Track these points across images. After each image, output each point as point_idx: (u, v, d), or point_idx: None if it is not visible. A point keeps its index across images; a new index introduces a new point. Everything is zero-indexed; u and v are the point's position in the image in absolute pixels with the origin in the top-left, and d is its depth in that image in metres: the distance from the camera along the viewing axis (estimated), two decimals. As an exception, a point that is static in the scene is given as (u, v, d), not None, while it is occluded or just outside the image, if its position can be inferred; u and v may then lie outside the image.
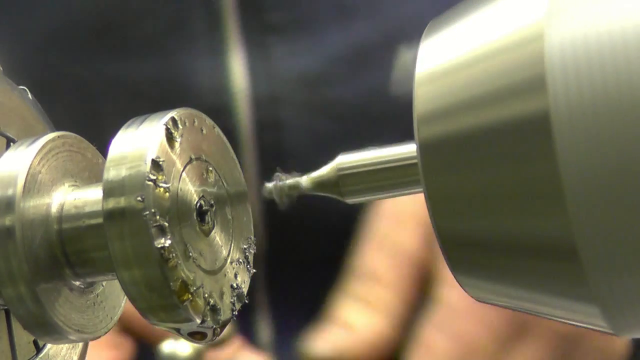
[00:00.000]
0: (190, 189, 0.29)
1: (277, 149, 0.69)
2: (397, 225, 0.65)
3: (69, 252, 0.30)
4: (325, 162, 0.31)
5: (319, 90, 0.70)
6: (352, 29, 0.70)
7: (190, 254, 0.28)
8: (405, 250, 0.64)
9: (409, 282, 0.63)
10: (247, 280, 0.32)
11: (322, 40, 0.70)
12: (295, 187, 0.32)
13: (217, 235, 0.30)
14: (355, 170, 0.31)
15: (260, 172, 0.69)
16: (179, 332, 0.29)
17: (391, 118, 0.71)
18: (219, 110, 0.67)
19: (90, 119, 0.67)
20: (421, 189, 0.28)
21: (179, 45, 0.68)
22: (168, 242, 0.27)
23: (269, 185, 0.33)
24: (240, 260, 0.31)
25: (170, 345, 0.66)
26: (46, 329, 0.29)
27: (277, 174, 0.33)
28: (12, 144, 0.31)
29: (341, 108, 0.70)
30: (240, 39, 0.68)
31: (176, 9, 0.68)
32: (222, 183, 0.31)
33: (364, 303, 0.63)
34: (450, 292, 0.62)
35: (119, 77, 0.68)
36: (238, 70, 0.68)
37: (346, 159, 0.31)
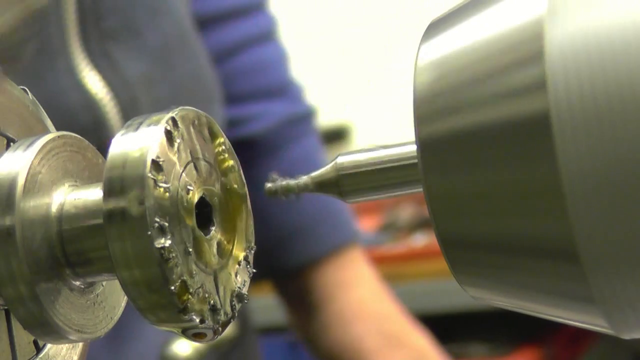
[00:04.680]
0: (190, 189, 0.29)
1: None
2: None
3: (69, 252, 0.30)
4: None
5: (149, 90, 0.73)
6: None
7: (191, 254, 0.28)
8: None
9: None
10: (247, 280, 0.32)
11: None
12: (295, 187, 0.32)
13: (217, 235, 0.30)
14: (355, 170, 0.31)
15: None
16: (179, 332, 0.29)
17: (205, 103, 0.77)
18: (91, 125, 0.68)
19: None
20: (421, 189, 0.28)
21: (37, 70, 0.68)
22: (168, 242, 0.27)
23: (270, 184, 0.33)
24: (240, 260, 0.31)
25: (170, 346, 0.66)
26: (46, 329, 0.29)
27: (275, 174, 0.33)
28: (12, 144, 0.31)
29: None
30: (85, 51, 0.69)
31: (33, 37, 0.68)
32: (223, 183, 0.31)
33: None
34: None
35: None
36: (95, 80, 0.69)
37: (346, 159, 0.31)
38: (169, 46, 0.75)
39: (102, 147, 0.70)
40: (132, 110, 0.69)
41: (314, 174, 0.32)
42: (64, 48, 0.67)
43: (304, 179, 0.32)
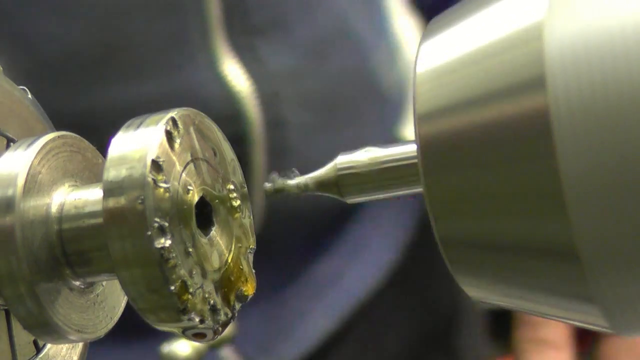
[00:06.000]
0: (190, 189, 0.29)
1: (283, 148, 0.72)
2: None
3: (69, 252, 0.30)
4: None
5: (295, 84, 0.73)
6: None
7: (191, 254, 0.28)
8: None
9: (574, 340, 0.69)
10: (247, 280, 0.32)
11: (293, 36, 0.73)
12: (295, 187, 0.32)
13: (217, 235, 0.30)
14: (355, 170, 0.31)
15: (269, 171, 0.71)
16: (179, 332, 0.29)
17: (363, 99, 0.77)
18: (228, 117, 0.70)
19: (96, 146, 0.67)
20: (421, 189, 0.28)
21: (177, 64, 0.69)
22: (168, 242, 0.27)
23: (269, 185, 0.33)
24: (241, 260, 0.31)
25: (170, 345, 0.66)
26: (46, 329, 0.29)
27: (275, 175, 0.33)
28: (12, 144, 0.31)
29: (313, 99, 0.74)
30: (229, 45, 0.70)
31: (170, 28, 0.69)
32: (223, 183, 0.31)
33: None
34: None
35: (123, 102, 0.68)
36: (238, 78, 0.70)
37: (346, 159, 0.31)
38: (324, 40, 0.75)
39: (238, 137, 0.66)
40: (273, 104, 0.70)
41: (314, 174, 0.32)
42: (205, 41, 0.68)
43: (303, 178, 0.32)
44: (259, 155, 0.70)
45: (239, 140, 0.68)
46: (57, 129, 0.30)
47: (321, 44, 0.74)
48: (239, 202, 0.31)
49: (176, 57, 0.68)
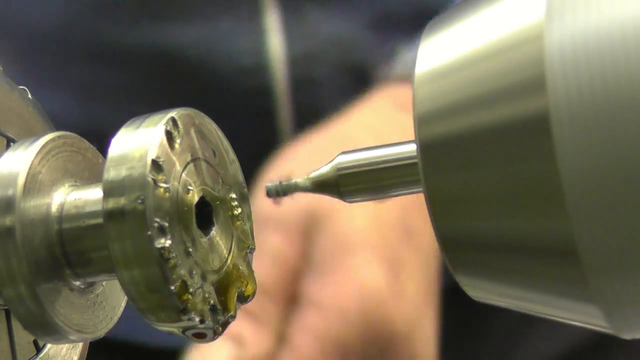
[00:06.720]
0: (190, 189, 0.29)
1: (311, 107, 0.73)
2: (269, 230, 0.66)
3: (69, 252, 0.30)
4: None
5: (349, 54, 0.75)
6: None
7: (191, 254, 0.28)
8: (279, 255, 0.64)
9: (284, 287, 0.64)
10: (247, 280, 0.32)
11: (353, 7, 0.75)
12: (295, 187, 0.32)
13: (217, 235, 0.30)
14: (355, 170, 0.31)
15: (295, 128, 0.73)
16: (179, 332, 0.29)
17: None
18: (256, 70, 0.72)
19: (130, 84, 0.72)
20: (421, 189, 0.28)
21: (219, 11, 0.71)
22: (168, 242, 0.27)
23: (270, 184, 0.33)
24: (241, 260, 0.31)
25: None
26: (46, 329, 0.29)
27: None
28: (12, 144, 0.31)
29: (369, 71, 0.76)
30: (276, 4, 0.72)
31: None
32: (223, 183, 0.31)
33: (252, 317, 0.63)
34: (318, 292, 0.62)
35: (160, 42, 0.71)
36: (275, 34, 0.72)
37: (346, 159, 0.31)
38: (390, 16, 0.76)
39: (262, 90, 0.72)
40: (307, 64, 0.72)
41: (314, 174, 0.32)
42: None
43: (303, 178, 0.32)
44: (284, 110, 0.71)
45: (263, 92, 0.71)
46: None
47: (386, 19, 0.75)
48: (240, 209, 0.31)
49: (221, 5, 0.70)
